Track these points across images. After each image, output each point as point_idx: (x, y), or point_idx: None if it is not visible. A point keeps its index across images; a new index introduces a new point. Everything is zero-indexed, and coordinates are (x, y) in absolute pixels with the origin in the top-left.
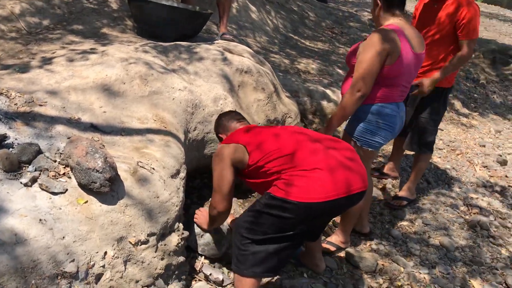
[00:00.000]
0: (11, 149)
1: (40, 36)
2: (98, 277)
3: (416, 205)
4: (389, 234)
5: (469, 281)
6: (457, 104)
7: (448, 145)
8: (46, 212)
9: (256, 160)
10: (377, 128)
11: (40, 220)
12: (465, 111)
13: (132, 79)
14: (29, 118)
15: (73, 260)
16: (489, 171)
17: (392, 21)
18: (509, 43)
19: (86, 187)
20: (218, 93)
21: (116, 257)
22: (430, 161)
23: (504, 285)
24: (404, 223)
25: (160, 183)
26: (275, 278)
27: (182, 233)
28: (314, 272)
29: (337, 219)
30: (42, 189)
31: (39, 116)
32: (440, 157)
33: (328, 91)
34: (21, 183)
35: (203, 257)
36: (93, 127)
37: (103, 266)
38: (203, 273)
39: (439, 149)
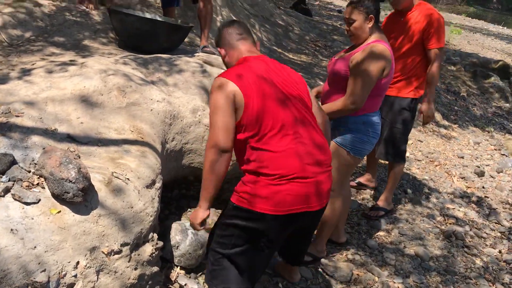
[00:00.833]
0: None
1: (22, 48)
2: (70, 286)
3: (393, 215)
4: (365, 244)
5: None
6: (438, 116)
7: (427, 157)
8: (18, 222)
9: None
10: (368, 137)
11: (12, 230)
12: (445, 123)
13: (110, 91)
14: (5, 128)
15: (44, 270)
16: (467, 182)
17: (378, 35)
18: (491, 56)
19: (59, 197)
20: (196, 104)
21: (88, 267)
22: (408, 172)
23: None
24: (381, 233)
25: (134, 193)
26: None
27: (157, 243)
28: (289, 282)
29: None
30: (15, 199)
31: (15, 127)
32: (418, 168)
33: None
34: None
35: (178, 267)
36: (70, 138)
37: (75, 276)
38: (178, 283)
39: (418, 160)
